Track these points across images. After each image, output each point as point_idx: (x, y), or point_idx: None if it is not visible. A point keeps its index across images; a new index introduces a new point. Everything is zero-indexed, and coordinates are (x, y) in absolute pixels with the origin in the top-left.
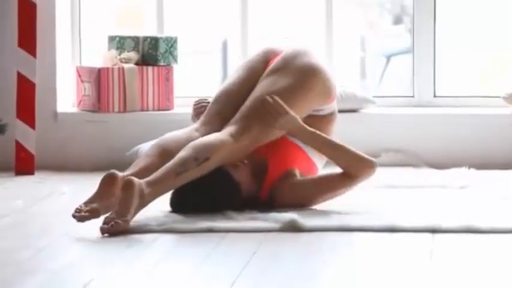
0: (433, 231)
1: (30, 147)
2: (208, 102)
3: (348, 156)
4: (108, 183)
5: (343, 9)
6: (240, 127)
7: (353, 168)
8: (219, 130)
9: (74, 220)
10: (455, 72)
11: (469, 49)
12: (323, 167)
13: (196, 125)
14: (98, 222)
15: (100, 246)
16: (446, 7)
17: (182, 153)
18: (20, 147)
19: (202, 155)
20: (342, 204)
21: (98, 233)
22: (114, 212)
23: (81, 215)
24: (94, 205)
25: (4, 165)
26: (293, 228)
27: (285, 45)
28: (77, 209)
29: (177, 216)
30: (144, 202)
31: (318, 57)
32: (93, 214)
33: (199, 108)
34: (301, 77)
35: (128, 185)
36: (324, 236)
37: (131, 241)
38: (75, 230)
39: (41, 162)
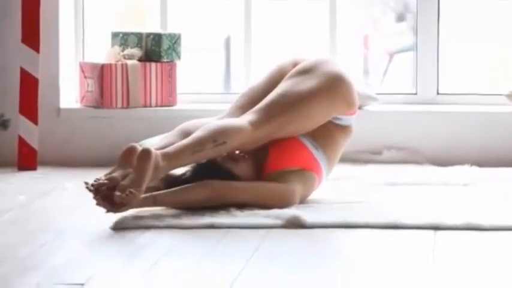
0: (436, 228)
1: (33, 142)
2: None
3: (186, 196)
4: (128, 154)
5: (346, 7)
6: (260, 117)
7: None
8: None
9: (76, 215)
10: (459, 70)
11: (473, 46)
12: (331, 170)
13: (219, 116)
14: (100, 218)
15: (102, 242)
16: (450, 3)
17: (200, 133)
18: (22, 143)
19: (220, 138)
20: (345, 201)
21: (100, 229)
22: (128, 180)
23: (100, 183)
24: (114, 174)
25: (7, 160)
26: (295, 224)
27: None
28: (96, 179)
29: (179, 212)
30: (157, 174)
31: (345, 69)
32: (112, 183)
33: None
34: (328, 81)
35: (145, 155)
36: (326, 233)
37: (133, 237)
38: (77, 225)
39: (44, 158)
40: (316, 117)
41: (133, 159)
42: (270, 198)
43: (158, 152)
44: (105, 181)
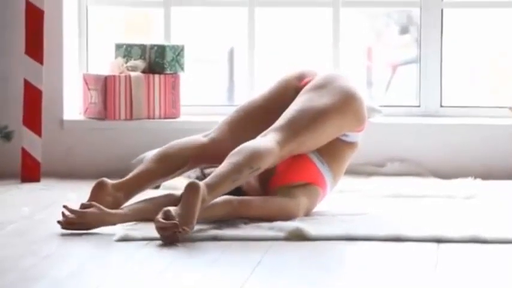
0: (439, 241)
1: (37, 154)
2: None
3: (210, 212)
4: (98, 189)
5: (350, 19)
6: (285, 136)
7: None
8: (226, 139)
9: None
10: (462, 82)
11: (476, 59)
12: (335, 185)
13: (206, 132)
14: (104, 229)
15: (106, 254)
16: (454, 16)
17: (236, 159)
18: (26, 155)
19: (255, 163)
20: (347, 213)
21: (103, 240)
22: (180, 217)
23: (68, 220)
24: (87, 210)
25: (10, 172)
26: (299, 236)
27: (321, 69)
28: (63, 212)
29: None
30: (203, 207)
31: (356, 85)
32: (81, 219)
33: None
34: (341, 98)
35: (193, 188)
36: (329, 245)
37: (136, 249)
38: (80, 236)
39: (47, 170)
40: (330, 134)
41: (103, 194)
42: (278, 213)
43: (203, 183)
44: (74, 216)
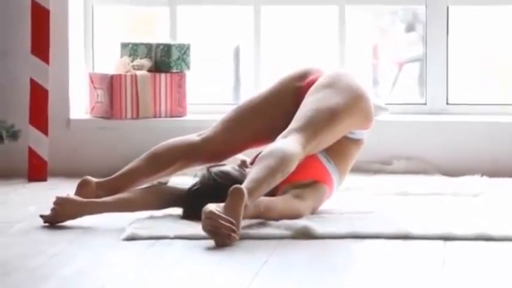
0: (446, 238)
1: (43, 153)
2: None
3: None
4: (82, 187)
5: (355, 17)
6: (307, 137)
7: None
8: (219, 138)
9: (86, 226)
10: (468, 80)
11: (482, 56)
12: (341, 182)
13: (200, 132)
14: (110, 228)
15: (112, 253)
16: (459, 13)
17: (269, 163)
18: (32, 154)
19: (286, 168)
20: (354, 211)
21: (110, 239)
22: (225, 221)
23: (47, 215)
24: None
25: (17, 171)
26: (305, 235)
27: (326, 67)
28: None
29: (189, 223)
30: (244, 212)
31: (363, 82)
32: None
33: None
34: (351, 97)
35: (239, 194)
36: (337, 243)
37: (144, 247)
38: (87, 235)
39: (54, 169)
40: (341, 133)
41: (87, 191)
42: (292, 215)
43: (245, 188)
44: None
